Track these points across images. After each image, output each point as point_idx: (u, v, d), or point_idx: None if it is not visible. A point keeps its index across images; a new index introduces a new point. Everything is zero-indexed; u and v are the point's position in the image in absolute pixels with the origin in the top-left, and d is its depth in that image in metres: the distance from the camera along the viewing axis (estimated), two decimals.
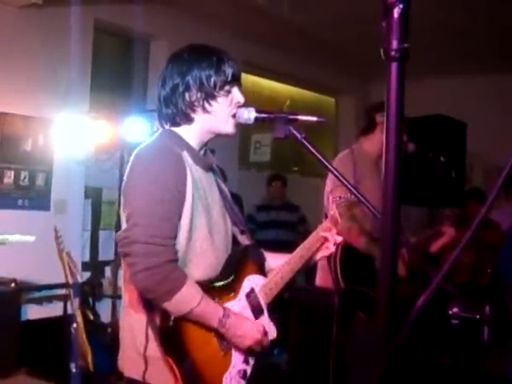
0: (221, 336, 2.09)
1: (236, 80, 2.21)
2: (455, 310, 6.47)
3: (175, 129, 2.20)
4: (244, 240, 2.39)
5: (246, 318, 2.15)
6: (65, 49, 5.46)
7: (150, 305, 2.04)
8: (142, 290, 2.01)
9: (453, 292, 6.13)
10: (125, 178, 2.10)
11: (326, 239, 2.49)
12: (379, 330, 1.02)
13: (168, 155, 2.08)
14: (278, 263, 2.43)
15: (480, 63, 8.13)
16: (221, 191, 2.34)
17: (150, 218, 1.97)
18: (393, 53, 0.93)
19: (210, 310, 2.03)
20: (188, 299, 1.97)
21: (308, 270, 2.83)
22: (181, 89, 2.14)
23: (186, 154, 2.13)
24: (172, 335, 2.01)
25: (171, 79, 2.16)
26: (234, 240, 2.35)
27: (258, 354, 2.22)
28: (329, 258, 3.56)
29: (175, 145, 2.13)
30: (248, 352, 2.18)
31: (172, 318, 1.99)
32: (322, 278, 3.78)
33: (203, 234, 2.13)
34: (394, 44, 0.93)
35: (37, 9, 5.33)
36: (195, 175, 2.13)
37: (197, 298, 1.98)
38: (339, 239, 2.50)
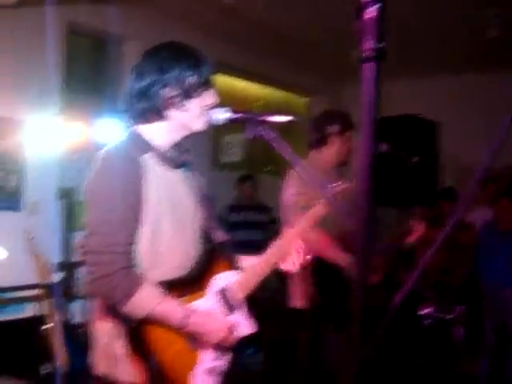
0: (189, 334, 2.11)
1: (210, 82, 2.23)
2: (428, 310, 6.53)
3: (144, 127, 2.20)
4: (217, 236, 2.38)
5: (209, 316, 2.15)
6: (38, 50, 5.39)
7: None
8: (98, 297, 2.09)
9: (426, 294, 6.14)
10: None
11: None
12: (352, 332, 1.02)
13: (123, 161, 2.08)
14: (251, 262, 2.42)
15: (451, 63, 8.21)
16: (192, 187, 2.33)
17: (105, 226, 2.00)
18: (368, 52, 0.92)
19: (168, 311, 2.04)
20: (143, 303, 2.00)
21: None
22: (158, 85, 2.14)
23: (149, 156, 2.14)
24: (136, 335, 2.05)
25: (149, 74, 2.15)
26: (208, 236, 2.34)
27: (230, 350, 2.23)
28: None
29: (136, 148, 2.14)
30: (217, 349, 2.19)
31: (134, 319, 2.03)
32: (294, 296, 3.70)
33: (169, 234, 2.14)
34: (369, 44, 0.92)
35: (9, 9, 5.26)
36: (158, 176, 2.14)
37: (153, 302, 2.01)
38: (304, 259, 2.45)
